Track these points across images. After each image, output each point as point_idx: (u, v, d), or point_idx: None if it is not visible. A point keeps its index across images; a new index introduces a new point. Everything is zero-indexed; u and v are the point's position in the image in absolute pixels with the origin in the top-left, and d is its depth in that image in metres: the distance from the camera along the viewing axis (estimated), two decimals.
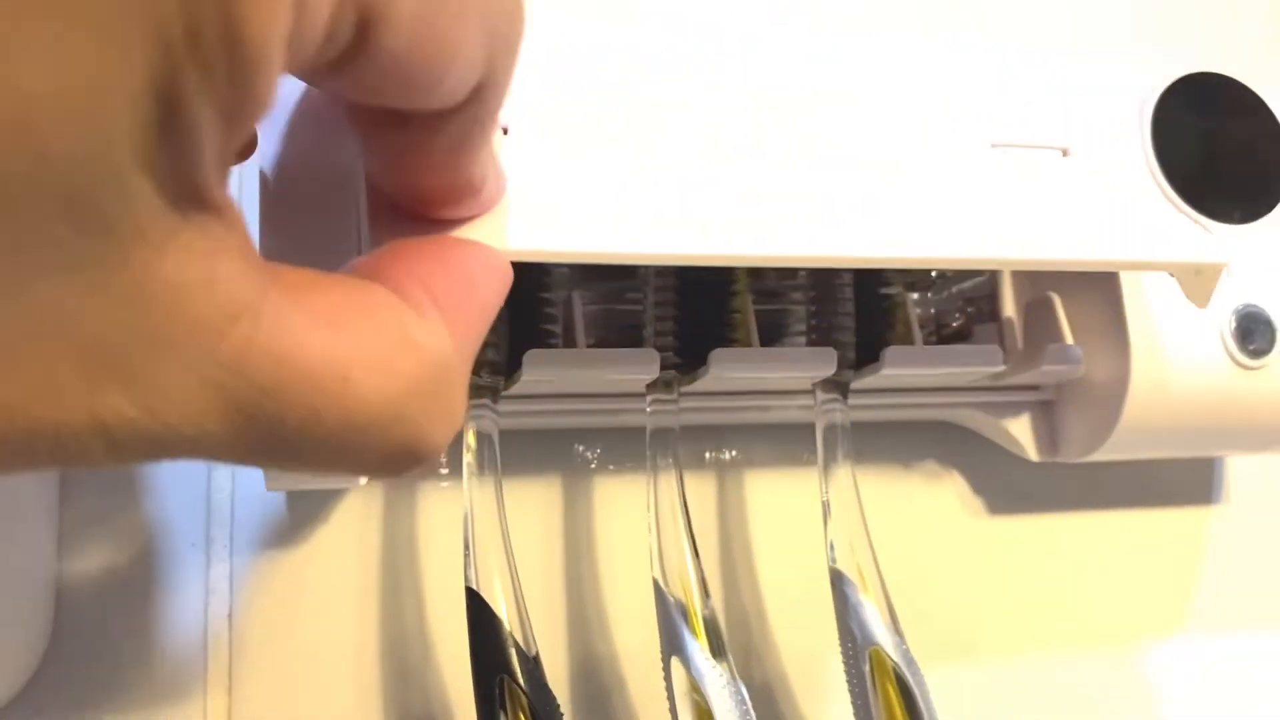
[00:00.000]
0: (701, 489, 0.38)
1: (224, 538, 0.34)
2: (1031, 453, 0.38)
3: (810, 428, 0.34)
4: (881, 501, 0.40)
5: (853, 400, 0.35)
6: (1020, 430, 0.38)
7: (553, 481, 0.37)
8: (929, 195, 0.32)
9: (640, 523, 0.33)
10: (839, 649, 0.33)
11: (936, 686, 0.32)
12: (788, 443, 0.39)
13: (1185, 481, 0.43)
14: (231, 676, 0.33)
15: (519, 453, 0.36)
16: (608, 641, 0.36)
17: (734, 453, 0.39)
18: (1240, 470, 0.43)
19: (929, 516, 0.40)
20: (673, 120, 0.29)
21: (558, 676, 0.35)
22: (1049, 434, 0.38)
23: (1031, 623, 0.40)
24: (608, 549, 0.37)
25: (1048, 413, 0.39)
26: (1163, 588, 0.42)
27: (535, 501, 0.37)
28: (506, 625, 0.30)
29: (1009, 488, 0.41)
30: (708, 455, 0.38)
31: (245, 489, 0.34)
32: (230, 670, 0.33)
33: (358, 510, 0.35)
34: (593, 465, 0.37)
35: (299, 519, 0.35)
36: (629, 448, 0.37)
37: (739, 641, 0.37)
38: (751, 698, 0.31)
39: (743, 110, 0.30)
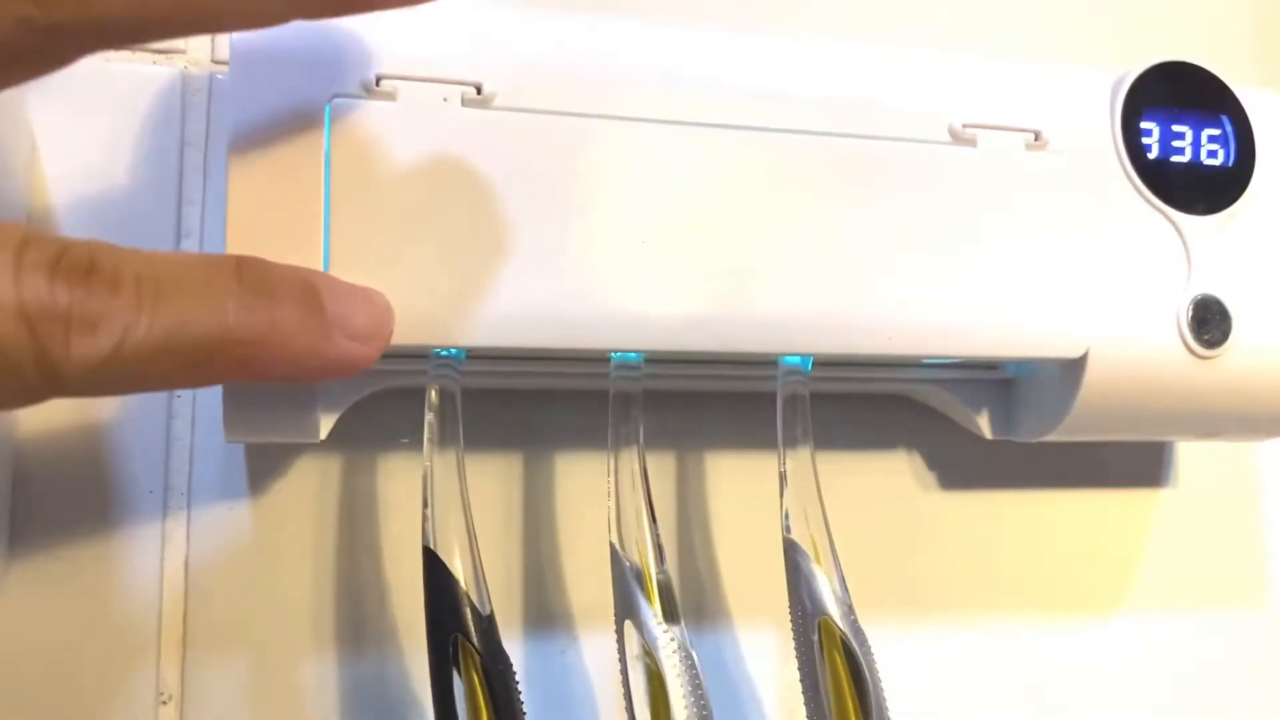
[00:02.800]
0: (661, 462, 0.39)
1: (182, 486, 0.34)
2: (986, 431, 0.39)
3: (769, 399, 0.35)
4: (836, 473, 0.40)
5: (815, 372, 0.35)
6: (977, 409, 0.39)
7: (514, 448, 0.37)
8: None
9: (599, 489, 0.34)
10: (788, 618, 0.33)
11: (884, 657, 0.33)
12: (747, 417, 0.39)
13: (1135, 465, 0.44)
14: (186, 625, 0.34)
15: (481, 416, 0.36)
16: (564, 603, 0.37)
17: (692, 426, 0.39)
18: (1190, 456, 0.44)
19: (882, 490, 0.41)
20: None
21: (512, 636, 0.36)
22: (1005, 414, 0.39)
23: (979, 596, 0.41)
24: (566, 515, 0.37)
25: (1005, 392, 0.39)
26: (1108, 567, 0.43)
27: (496, 467, 0.37)
28: (462, 585, 0.30)
29: (962, 464, 0.41)
30: (669, 423, 0.39)
31: (204, 438, 0.34)
32: (185, 620, 0.34)
33: (317, 467, 0.35)
34: (554, 431, 0.37)
35: (258, 472, 0.35)
36: (590, 415, 0.37)
37: (692, 608, 0.38)
38: (702, 663, 0.31)
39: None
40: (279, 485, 0.35)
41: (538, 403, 0.37)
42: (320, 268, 0.29)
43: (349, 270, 0.28)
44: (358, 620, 0.35)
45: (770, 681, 0.38)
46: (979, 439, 0.40)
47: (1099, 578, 0.42)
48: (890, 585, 0.40)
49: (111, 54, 0.35)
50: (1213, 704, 0.43)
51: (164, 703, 0.33)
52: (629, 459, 0.33)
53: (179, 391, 0.35)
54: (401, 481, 0.36)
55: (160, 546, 0.34)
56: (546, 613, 0.37)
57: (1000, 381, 0.39)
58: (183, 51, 0.36)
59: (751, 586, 0.38)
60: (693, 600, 0.38)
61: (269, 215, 0.29)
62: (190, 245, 0.35)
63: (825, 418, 0.39)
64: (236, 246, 0.28)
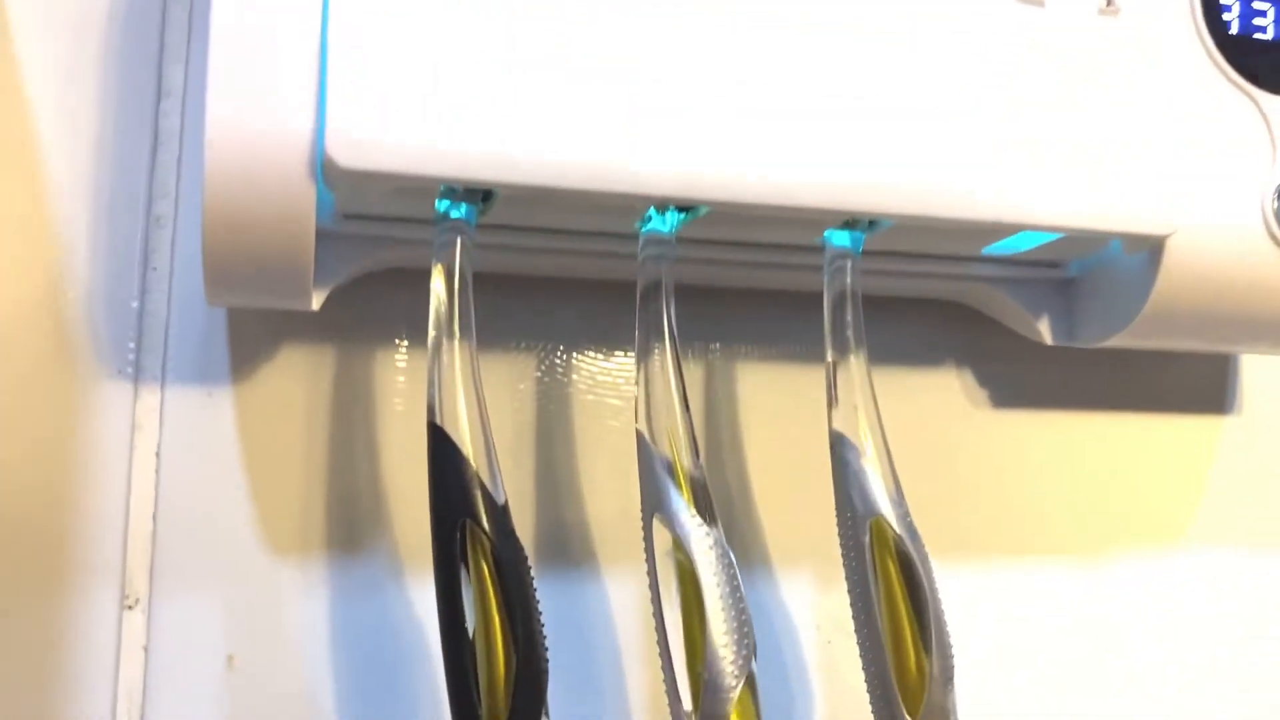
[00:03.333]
0: (690, 368, 0.35)
1: (155, 367, 0.30)
2: (1047, 336, 0.36)
3: (811, 300, 0.31)
4: (882, 385, 0.37)
5: (864, 265, 0.32)
6: (1037, 310, 0.35)
7: (529, 343, 0.34)
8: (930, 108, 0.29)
9: (626, 392, 0.30)
10: (835, 521, 0.30)
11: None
12: (788, 318, 0.36)
13: (1197, 390, 0.40)
14: (157, 523, 0.30)
15: (492, 307, 0.32)
16: (579, 510, 0.33)
17: (726, 327, 0.35)
18: (1255, 382, 0.41)
19: (930, 406, 0.37)
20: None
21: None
22: (1067, 317, 0.36)
23: (1032, 525, 0.37)
24: (586, 421, 0.34)
25: (1067, 292, 0.36)
26: (1169, 496, 0.39)
27: (506, 365, 0.33)
28: (473, 464, 0.27)
29: (1016, 381, 0.38)
30: (701, 324, 0.35)
31: (183, 314, 0.31)
32: (155, 517, 0.30)
33: (309, 353, 0.32)
34: (575, 325, 0.34)
35: (243, 355, 0.31)
36: (617, 306, 0.34)
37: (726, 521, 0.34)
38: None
39: None
40: (266, 370, 0.31)
41: (556, 293, 0.34)
42: (316, 97, 0.25)
43: (348, 100, 0.25)
44: (351, 523, 0.31)
45: (807, 612, 0.35)
46: (1032, 354, 0.37)
47: (1160, 507, 0.39)
48: (937, 512, 0.36)
49: None
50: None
51: (129, 607, 0.29)
52: (659, 342, 0.29)
53: (153, 263, 0.31)
54: (406, 375, 0.32)
55: (130, 434, 0.30)
56: (561, 520, 0.33)
57: (1061, 282, 0.36)
58: None
59: (786, 507, 0.35)
60: (726, 514, 0.34)
61: (259, 30, 0.25)
62: (172, 105, 0.32)
63: (871, 323, 0.35)
64: (223, 57, 0.25)
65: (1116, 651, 0.37)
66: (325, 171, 0.25)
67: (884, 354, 0.37)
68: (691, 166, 0.27)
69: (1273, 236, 0.33)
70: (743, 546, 0.34)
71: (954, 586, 0.35)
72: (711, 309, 0.35)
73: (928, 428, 0.37)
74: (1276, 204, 0.33)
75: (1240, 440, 0.40)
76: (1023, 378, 0.38)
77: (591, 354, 0.34)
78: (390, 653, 0.31)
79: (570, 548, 0.33)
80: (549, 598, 0.32)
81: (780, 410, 0.35)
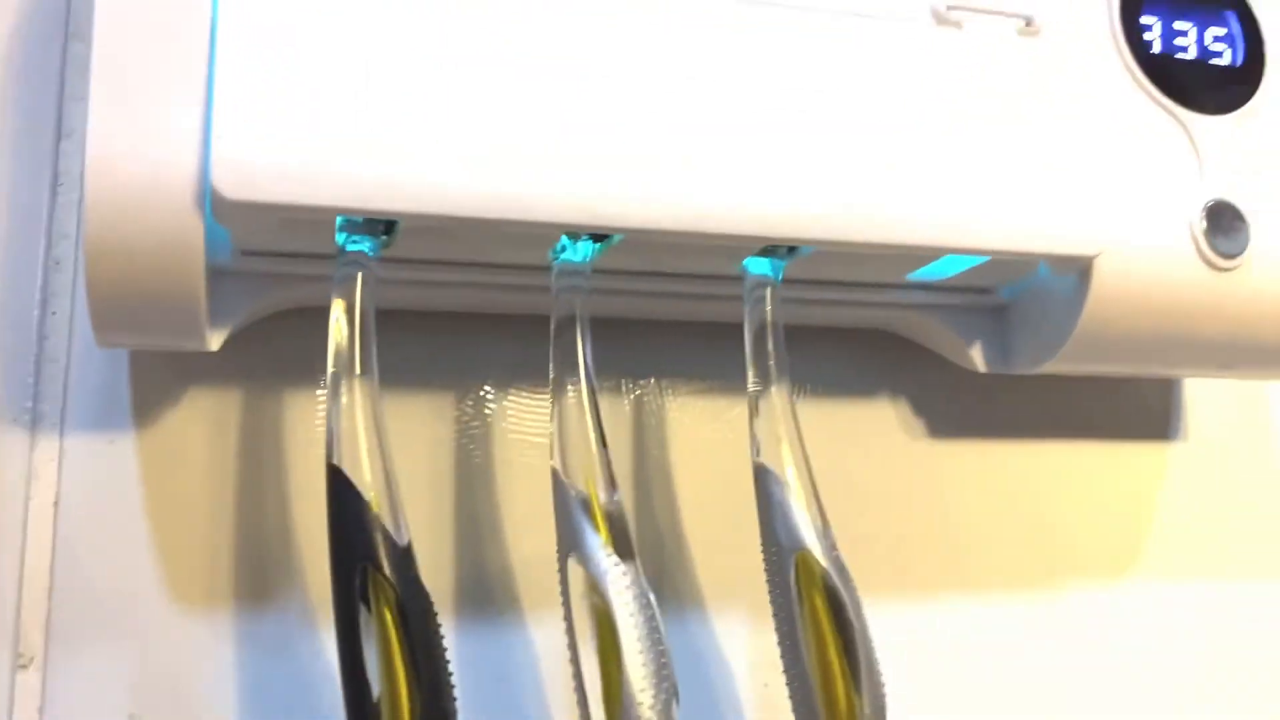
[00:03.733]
0: (614, 401, 0.34)
1: (54, 412, 0.29)
2: (980, 364, 0.35)
3: (733, 330, 0.30)
4: (812, 419, 0.36)
5: (786, 293, 0.31)
6: (969, 337, 0.35)
7: (442, 383, 0.33)
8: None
9: (543, 429, 0.29)
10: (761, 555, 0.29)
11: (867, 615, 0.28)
12: (710, 349, 0.35)
13: (1141, 417, 0.40)
14: (54, 576, 0.29)
15: (403, 345, 0.32)
16: (501, 554, 0.32)
17: (646, 359, 0.35)
18: (1199, 407, 0.40)
19: (866, 436, 0.36)
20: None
21: (440, 589, 0.31)
22: (1000, 343, 0.35)
23: (972, 556, 0.36)
24: (507, 461, 0.33)
25: (999, 318, 0.35)
26: (1115, 527, 0.38)
27: (421, 405, 0.32)
28: (373, 507, 0.26)
29: (952, 410, 0.37)
30: (623, 385, 0.34)
31: (83, 359, 0.30)
32: (52, 569, 0.29)
33: (213, 397, 0.31)
34: (489, 363, 0.33)
35: (146, 401, 0.30)
36: (532, 343, 0.33)
37: (650, 571, 0.33)
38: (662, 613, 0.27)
39: None
40: (170, 416, 0.30)
41: (473, 329, 0.33)
42: (202, 119, 0.24)
43: (235, 130, 0.24)
44: (260, 574, 0.30)
45: (741, 653, 0.33)
46: (970, 383, 0.36)
47: (1106, 537, 0.38)
48: (874, 545, 0.36)
49: None
50: (1236, 677, 0.38)
51: (23, 667, 0.28)
52: (573, 375, 0.28)
53: (53, 307, 0.30)
54: (317, 419, 0.31)
55: (26, 483, 0.29)
56: (480, 564, 0.32)
57: (992, 308, 0.35)
58: None
59: (719, 544, 0.34)
60: (651, 563, 0.33)
61: (144, 55, 0.24)
62: (72, 146, 0.31)
63: (799, 355, 0.35)
64: (106, 85, 0.24)
65: (1065, 686, 0.36)
66: (213, 204, 0.24)
67: (816, 386, 0.36)
68: (602, 194, 0.27)
69: (1202, 255, 0.32)
70: (674, 586, 0.33)
71: (894, 623, 0.35)
72: (635, 342, 0.34)
73: (863, 460, 0.36)
74: (1204, 223, 0.32)
75: (1186, 467, 0.39)
76: (961, 408, 0.37)
77: (512, 391, 0.33)
78: (304, 711, 0.29)
79: (493, 593, 0.32)
80: (471, 646, 0.31)
81: (710, 445, 0.34)
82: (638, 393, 0.34)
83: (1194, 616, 0.38)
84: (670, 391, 0.34)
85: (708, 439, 0.34)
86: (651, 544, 0.33)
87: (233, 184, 0.24)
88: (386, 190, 0.25)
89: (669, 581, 0.33)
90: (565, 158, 0.26)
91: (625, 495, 0.33)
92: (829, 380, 0.36)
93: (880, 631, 0.28)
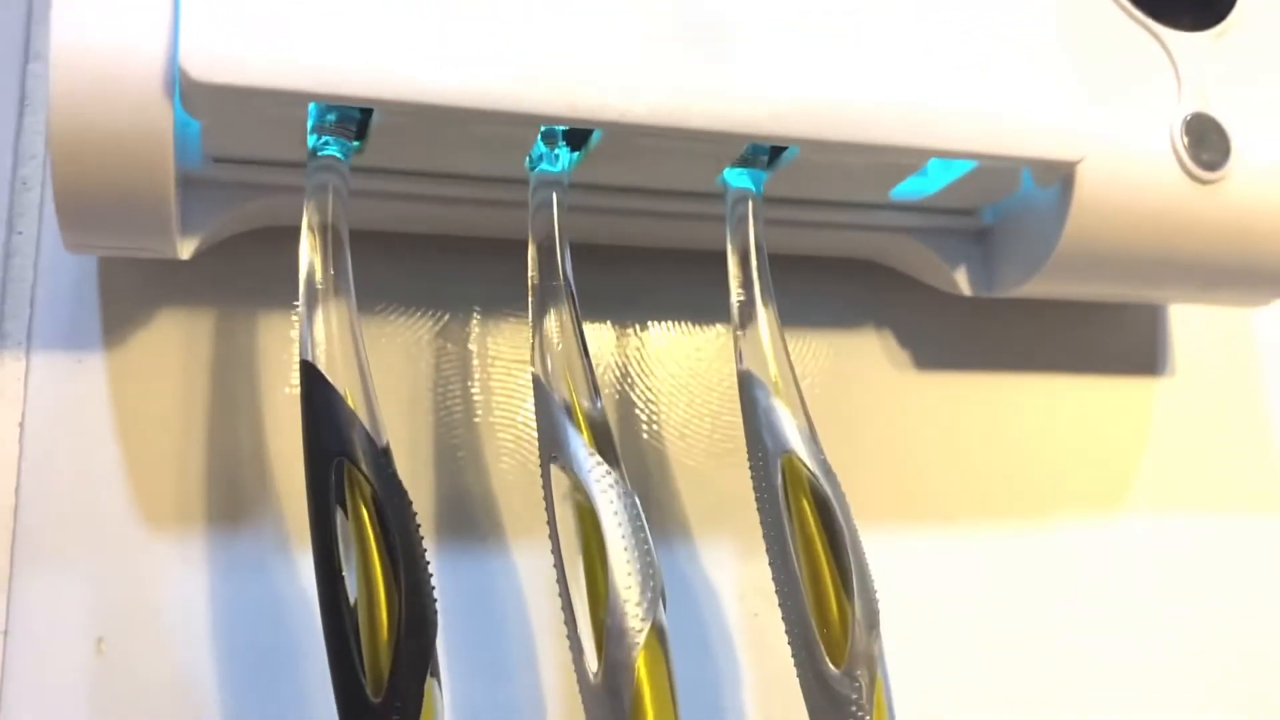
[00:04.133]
0: (597, 330, 0.34)
1: (20, 333, 0.29)
2: (965, 287, 0.34)
3: (717, 258, 0.30)
4: (800, 350, 0.35)
5: (768, 214, 0.31)
6: (953, 261, 0.34)
7: (422, 309, 0.32)
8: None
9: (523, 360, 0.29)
10: (747, 462, 0.28)
11: None
12: (699, 289, 0.34)
13: (1129, 350, 0.39)
14: (19, 499, 0.28)
15: (380, 270, 0.31)
16: (483, 479, 0.31)
17: (629, 286, 0.34)
18: (1186, 342, 0.40)
19: (852, 367, 0.36)
20: None
21: (423, 514, 0.30)
22: (985, 265, 0.35)
23: (962, 486, 0.36)
24: (489, 387, 0.32)
25: (983, 241, 0.35)
26: (1104, 461, 0.38)
27: (400, 332, 0.32)
28: (349, 401, 0.25)
29: (940, 341, 0.37)
30: (606, 315, 0.34)
31: (51, 277, 0.29)
32: (17, 492, 0.28)
33: (185, 317, 0.30)
34: (471, 289, 0.32)
35: (115, 319, 0.29)
36: (517, 273, 0.32)
37: (636, 490, 0.32)
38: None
39: None
40: (140, 335, 0.29)
41: (447, 254, 0.32)
42: (173, 10, 0.24)
43: (206, 10, 0.23)
44: (232, 495, 0.29)
45: (730, 583, 0.33)
46: (955, 312, 0.36)
47: (1094, 473, 0.38)
48: (861, 475, 0.35)
49: None
50: (1225, 609, 0.38)
51: None
52: (554, 281, 0.28)
53: (19, 226, 0.29)
54: (289, 337, 0.30)
55: None
56: (466, 499, 0.31)
57: (976, 231, 0.35)
58: None
59: (706, 476, 0.33)
60: (639, 494, 0.32)
61: None
62: (40, 68, 0.30)
63: (782, 286, 0.34)
64: None
65: (1053, 616, 0.36)
66: (182, 90, 0.24)
67: (801, 317, 0.36)
68: (580, 83, 0.26)
69: (1184, 167, 0.32)
70: (661, 517, 0.32)
71: (881, 553, 0.34)
72: (617, 271, 0.33)
73: (849, 390, 0.35)
74: (1185, 136, 0.32)
75: (1173, 401, 0.39)
76: (948, 339, 0.37)
77: (490, 317, 0.33)
78: (276, 633, 0.28)
79: (475, 517, 0.31)
80: (454, 574, 0.30)
81: (696, 375, 0.34)
82: (622, 323, 0.34)
83: (1182, 548, 0.38)
84: (654, 321, 0.34)
85: (693, 368, 0.34)
86: (639, 475, 0.33)
87: (202, 66, 0.23)
88: (360, 76, 0.24)
89: (657, 512, 0.32)
90: (544, 48, 0.26)
91: (610, 427, 0.33)
92: (813, 311, 0.36)
93: (874, 561, 0.28)
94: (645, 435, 0.33)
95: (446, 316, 0.32)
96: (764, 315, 0.29)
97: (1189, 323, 0.40)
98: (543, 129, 0.28)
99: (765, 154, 0.30)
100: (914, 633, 0.34)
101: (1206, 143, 0.32)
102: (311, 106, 0.26)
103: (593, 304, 0.33)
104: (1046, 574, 0.36)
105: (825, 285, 0.36)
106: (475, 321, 0.32)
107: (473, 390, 0.32)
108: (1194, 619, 0.37)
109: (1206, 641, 0.37)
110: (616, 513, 0.25)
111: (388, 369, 0.31)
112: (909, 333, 0.36)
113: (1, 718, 0.26)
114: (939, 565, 0.35)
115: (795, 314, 0.35)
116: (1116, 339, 0.39)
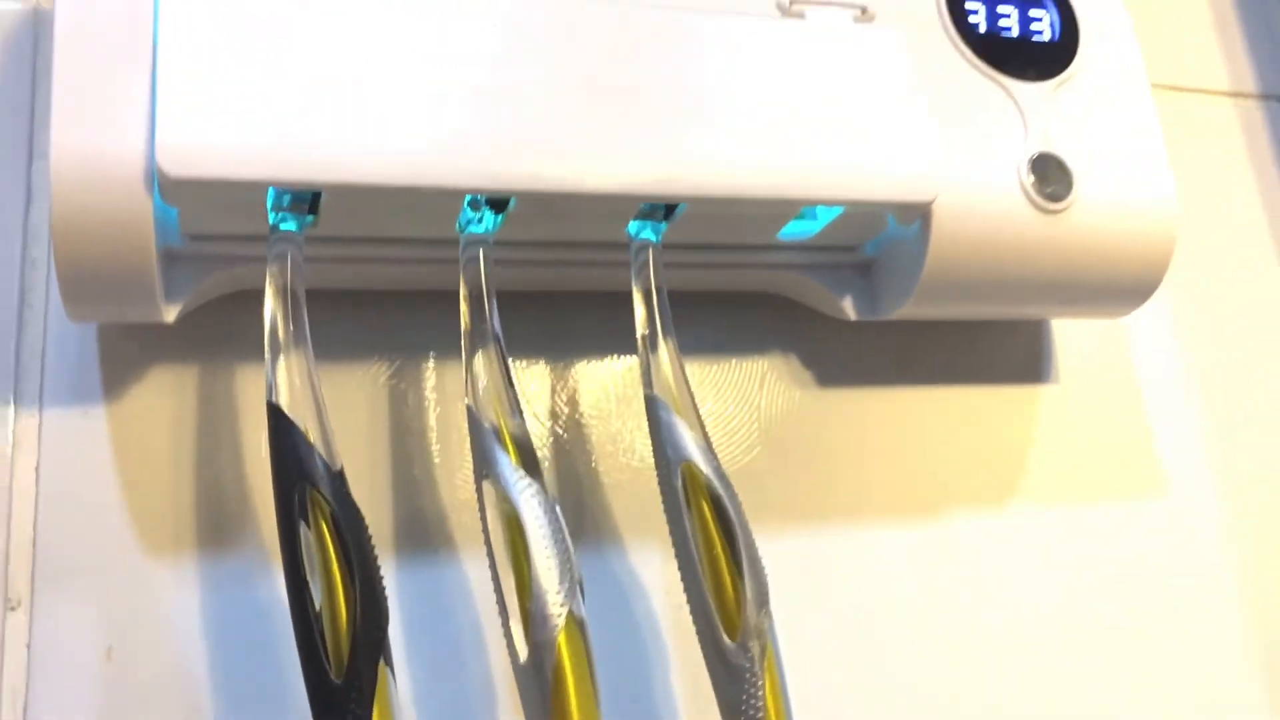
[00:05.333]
0: (531, 368, 0.38)
1: (33, 391, 0.34)
2: (851, 313, 0.39)
3: (626, 299, 0.35)
4: (709, 376, 0.40)
5: (671, 258, 0.36)
6: (840, 291, 0.39)
7: (376, 355, 0.37)
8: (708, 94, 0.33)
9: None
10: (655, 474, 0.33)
11: (770, 562, 0.32)
12: (607, 325, 0.39)
13: (1015, 362, 0.44)
14: (37, 530, 0.33)
15: (337, 321, 0.36)
16: (435, 499, 0.36)
17: (556, 349, 0.39)
18: (1068, 351, 0.45)
19: (758, 389, 0.40)
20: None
21: (382, 532, 0.35)
22: (868, 293, 0.40)
23: (858, 489, 0.41)
24: (436, 419, 0.37)
25: (865, 273, 0.40)
26: (995, 464, 0.43)
27: (356, 377, 0.37)
28: (308, 436, 0.30)
29: (839, 362, 0.41)
30: (533, 354, 0.39)
31: (58, 344, 0.34)
32: (35, 524, 0.33)
33: (172, 373, 0.35)
34: (418, 335, 0.37)
35: (114, 378, 0.34)
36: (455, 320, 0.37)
37: (571, 500, 0.37)
38: (586, 574, 0.31)
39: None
40: (135, 390, 0.34)
41: (402, 306, 0.37)
42: (148, 112, 0.29)
43: (178, 100, 0.29)
44: (218, 522, 0.34)
45: (657, 579, 0.37)
46: (850, 335, 0.41)
47: (983, 472, 0.42)
48: (769, 483, 0.40)
49: None
50: (1110, 595, 0.42)
51: (12, 609, 0.32)
52: (481, 324, 0.33)
53: (30, 301, 0.34)
54: (260, 386, 0.35)
55: (11, 451, 0.33)
56: (420, 517, 0.36)
57: (859, 264, 0.40)
58: None
59: (631, 489, 0.38)
60: (573, 504, 0.37)
61: (96, 64, 0.29)
62: (41, 168, 0.35)
63: (690, 320, 0.39)
64: (65, 90, 0.29)
65: (947, 605, 0.40)
66: (160, 183, 0.29)
67: (714, 345, 0.40)
68: (495, 162, 0.31)
69: (1031, 201, 0.37)
70: (594, 524, 0.37)
71: (785, 553, 0.39)
72: (540, 314, 0.38)
73: (756, 409, 0.40)
74: (1030, 174, 0.37)
75: (1056, 405, 0.44)
76: (844, 358, 0.42)
77: (434, 358, 0.37)
78: (258, 635, 0.33)
79: (429, 533, 0.36)
80: (412, 580, 0.35)
81: (616, 401, 0.39)
82: (549, 358, 0.39)
83: (1065, 538, 0.42)
84: (576, 355, 0.39)
85: (611, 394, 0.39)
86: (571, 488, 0.37)
87: (175, 163, 0.28)
88: (308, 164, 0.30)
89: (590, 520, 0.37)
90: (463, 131, 0.31)
91: (544, 447, 0.37)
92: (724, 340, 0.40)
93: (774, 559, 0.32)
94: (574, 453, 0.38)
95: (397, 360, 0.37)
96: (664, 346, 0.34)
97: (1070, 334, 0.45)
98: (467, 198, 0.33)
99: (661, 209, 0.35)
100: (819, 620, 0.39)
101: (1050, 178, 0.37)
102: (269, 191, 0.31)
103: (523, 343, 0.38)
104: (943, 565, 0.41)
105: (733, 317, 0.41)
106: (421, 363, 0.37)
107: (420, 422, 0.37)
108: (1080, 601, 0.42)
109: (1092, 621, 0.42)
110: (538, 518, 0.30)
111: (348, 407, 0.36)
112: (808, 355, 0.41)
113: (31, 717, 0.31)
114: (844, 559, 0.40)
115: (708, 343, 0.41)
116: (1002, 351, 0.44)
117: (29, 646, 0.32)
